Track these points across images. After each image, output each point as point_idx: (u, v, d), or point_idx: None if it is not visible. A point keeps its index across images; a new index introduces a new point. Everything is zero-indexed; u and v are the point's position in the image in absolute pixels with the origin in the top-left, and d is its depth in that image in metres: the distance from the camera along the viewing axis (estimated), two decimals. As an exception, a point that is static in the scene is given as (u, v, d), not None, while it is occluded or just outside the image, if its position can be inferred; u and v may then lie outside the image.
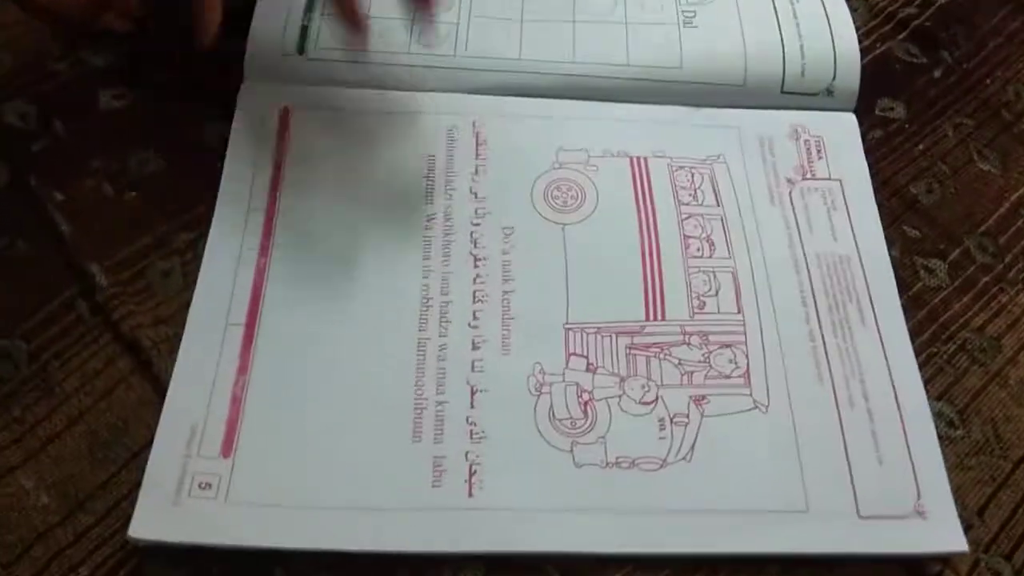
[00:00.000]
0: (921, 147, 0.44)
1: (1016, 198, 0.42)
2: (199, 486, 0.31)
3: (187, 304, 0.36)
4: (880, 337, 0.37)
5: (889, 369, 0.36)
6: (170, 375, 0.34)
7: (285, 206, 0.38)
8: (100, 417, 0.34)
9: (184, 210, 0.39)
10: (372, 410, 0.34)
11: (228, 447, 0.33)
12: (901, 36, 0.48)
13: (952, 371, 0.37)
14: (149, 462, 0.32)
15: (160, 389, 0.34)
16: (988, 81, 0.47)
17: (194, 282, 0.36)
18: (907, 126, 0.44)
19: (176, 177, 0.40)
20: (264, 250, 0.37)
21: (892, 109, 0.45)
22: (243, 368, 0.34)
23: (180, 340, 0.35)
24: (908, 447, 0.34)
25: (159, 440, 0.32)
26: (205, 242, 0.37)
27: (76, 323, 0.36)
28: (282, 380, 0.34)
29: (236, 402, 0.34)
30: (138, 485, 0.32)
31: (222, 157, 0.40)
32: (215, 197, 0.39)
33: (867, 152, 0.42)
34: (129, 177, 0.40)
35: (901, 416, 0.35)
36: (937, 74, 0.47)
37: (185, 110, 0.41)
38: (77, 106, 0.41)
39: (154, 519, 0.31)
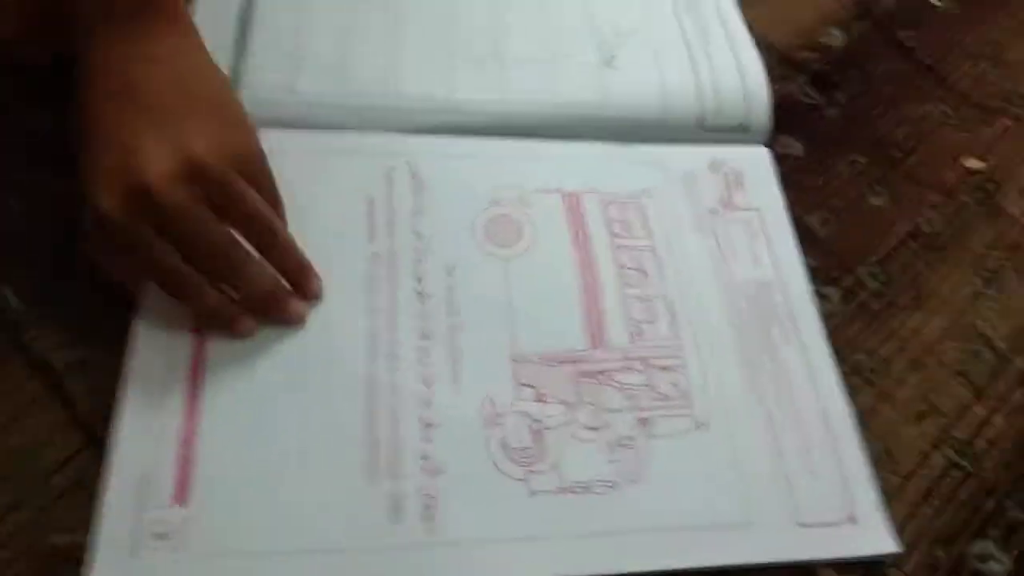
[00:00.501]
0: (819, 182, 0.47)
1: (904, 231, 0.46)
2: (154, 536, 0.31)
3: (99, 325, 0.35)
4: (805, 354, 0.39)
5: (815, 386, 0.38)
6: (81, 395, 0.34)
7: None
8: (10, 438, 0.33)
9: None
10: (326, 449, 0.34)
11: (181, 494, 0.32)
12: (800, 79, 0.51)
13: (847, 391, 0.39)
14: (102, 515, 0.31)
15: (71, 412, 0.34)
16: (879, 121, 0.51)
17: (108, 303, 0.35)
18: (805, 162, 0.48)
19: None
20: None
21: (791, 146, 0.48)
22: (191, 412, 0.34)
23: (91, 362, 0.34)
24: (838, 458, 0.36)
25: (110, 491, 0.32)
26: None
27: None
28: (232, 424, 0.34)
29: (187, 446, 0.33)
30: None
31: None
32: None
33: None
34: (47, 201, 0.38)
35: (829, 429, 0.37)
36: (832, 113, 0.50)
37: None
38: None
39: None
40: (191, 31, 0.37)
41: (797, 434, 0.37)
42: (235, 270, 0.35)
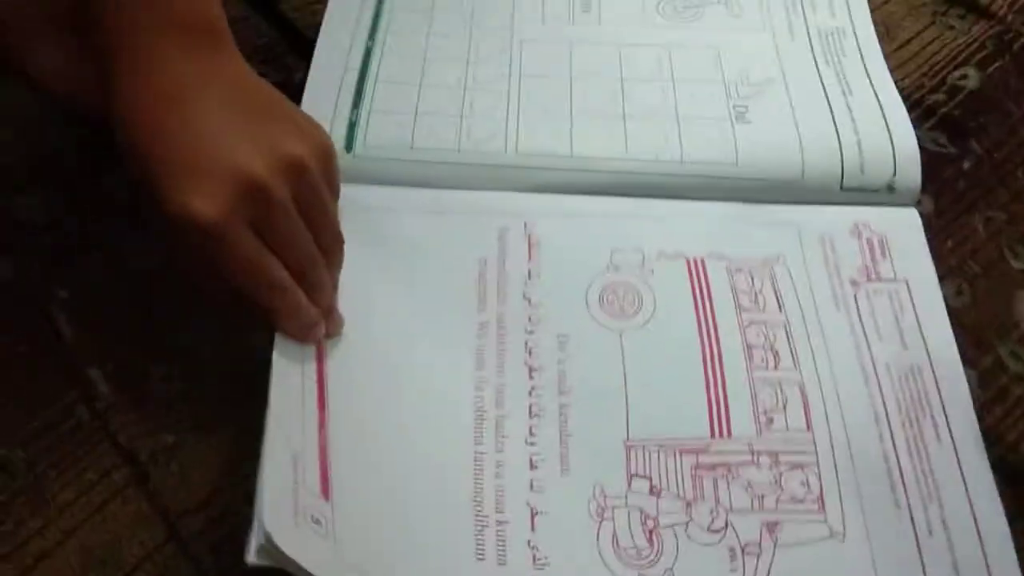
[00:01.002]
0: (950, 244, 0.42)
1: (1052, 300, 0.41)
2: (312, 519, 0.29)
3: (184, 410, 0.35)
4: (956, 455, 0.35)
5: (968, 492, 0.34)
6: (166, 486, 0.33)
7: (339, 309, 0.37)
8: (93, 533, 0.33)
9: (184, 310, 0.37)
10: (436, 526, 0.32)
11: (326, 490, 0.31)
12: (928, 124, 0.46)
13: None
14: (263, 483, 0.29)
15: (155, 504, 0.33)
16: (1020, 172, 0.45)
17: (196, 383, 0.35)
18: (935, 220, 0.43)
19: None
20: (319, 357, 0.36)
21: (919, 203, 0.43)
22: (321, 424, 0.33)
23: (179, 447, 0.34)
24: (992, 578, 0.32)
25: (268, 465, 0.29)
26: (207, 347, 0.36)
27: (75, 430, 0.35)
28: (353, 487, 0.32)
29: (322, 451, 0.32)
30: None
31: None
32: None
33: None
34: (131, 267, 0.38)
35: (982, 544, 0.33)
36: (966, 165, 0.45)
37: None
38: (84, 194, 0.40)
39: (285, 533, 0.28)
40: (234, 47, 0.35)
41: (945, 550, 0.33)
42: (316, 272, 0.34)
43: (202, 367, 0.36)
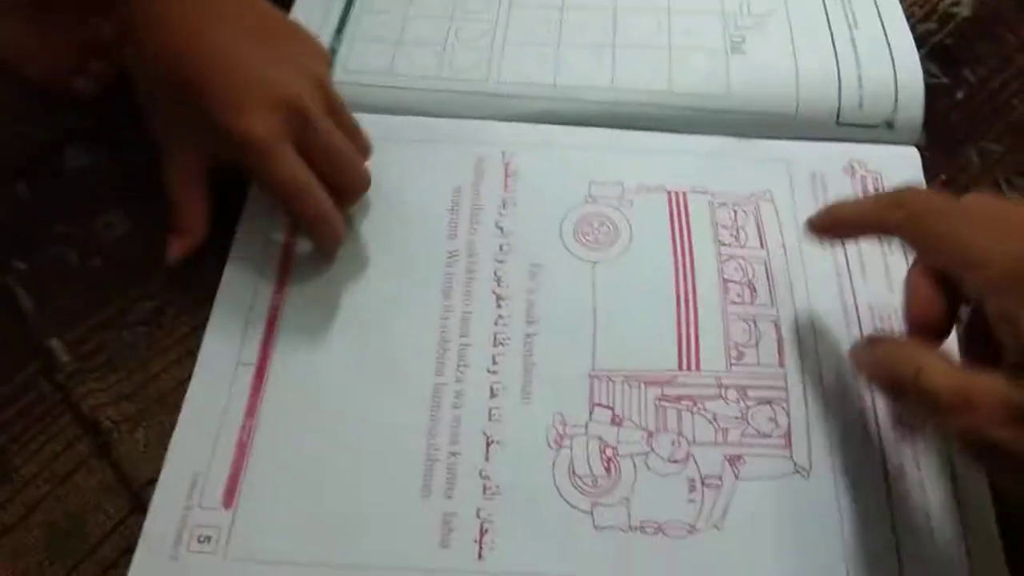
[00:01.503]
0: (943, 176, 0.40)
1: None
2: (198, 539, 0.30)
3: (151, 377, 0.34)
4: (939, 398, 0.33)
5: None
6: (129, 457, 0.32)
7: (304, 241, 0.37)
8: (57, 505, 0.32)
9: (147, 277, 0.36)
10: (383, 461, 0.32)
11: (230, 497, 0.31)
12: (920, 54, 0.42)
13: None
14: (148, 515, 0.31)
15: (120, 474, 0.32)
16: (1016, 102, 0.42)
17: (160, 351, 0.35)
18: (928, 154, 0.40)
19: (145, 240, 0.37)
20: (280, 286, 0.36)
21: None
22: (251, 411, 0.33)
23: (143, 417, 0.33)
24: (964, 531, 0.30)
25: (160, 491, 0.31)
26: (171, 309, 0.36)
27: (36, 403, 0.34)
28: (291, 426, 0.33)
29: (242, 448, 0.32)
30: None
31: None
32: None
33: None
34: (94, 242, 0.38)
35: (956, 487, 0.31)
36: (960, 96, 0.42)
37: (158, 164, 0.36)
38: (43, 168, 0.39)
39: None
40: None
41: (918, 492, 0.31)
42: (354, 172, 0.36)
43: (163, 335, 0.35)
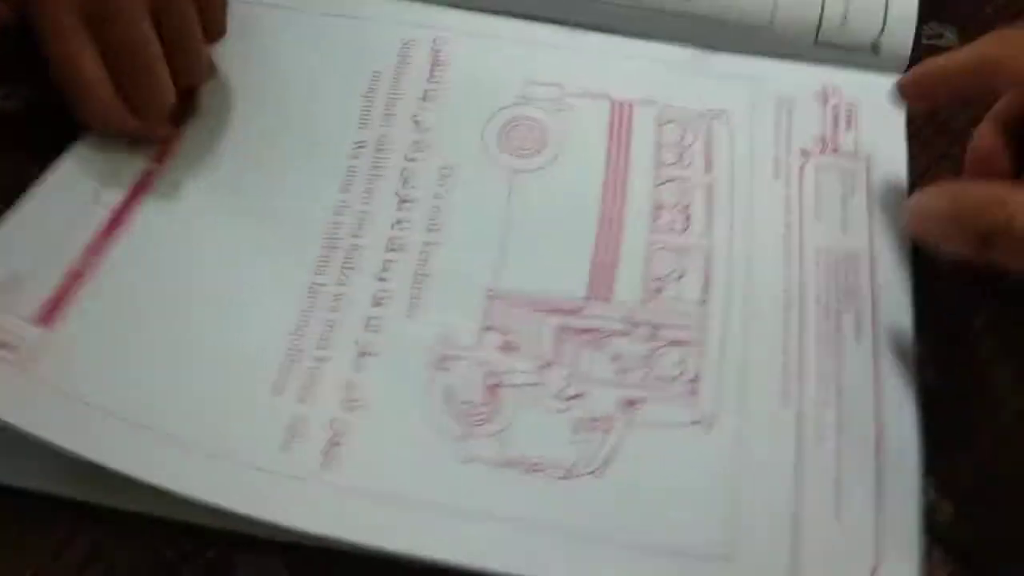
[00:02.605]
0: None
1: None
2: None
3: None
4: (874, 361, 0.29)
5: (877, 403, 0.29)
6: None
7: (199, 106, 0.33)
8: None
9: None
10: (237, 346, 0.29)
11: (50, 317, 0.28)
12: None
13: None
14: None
15: None
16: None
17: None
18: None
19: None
20: (164, 148, 0.32)
21: (941, 36, 0.35)
22: (95, 250, 0.30)
23: None
24: (876, 505, 0.27)
25: None
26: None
27: None
28: (143, 274, 0.30)
29: (76, 277, 0.29)
30: None
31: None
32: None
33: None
34: None
35: (878, 465, 0.28)
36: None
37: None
38: None
39: None
40: None
41: (831, 461, 0.28)
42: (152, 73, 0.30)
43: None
